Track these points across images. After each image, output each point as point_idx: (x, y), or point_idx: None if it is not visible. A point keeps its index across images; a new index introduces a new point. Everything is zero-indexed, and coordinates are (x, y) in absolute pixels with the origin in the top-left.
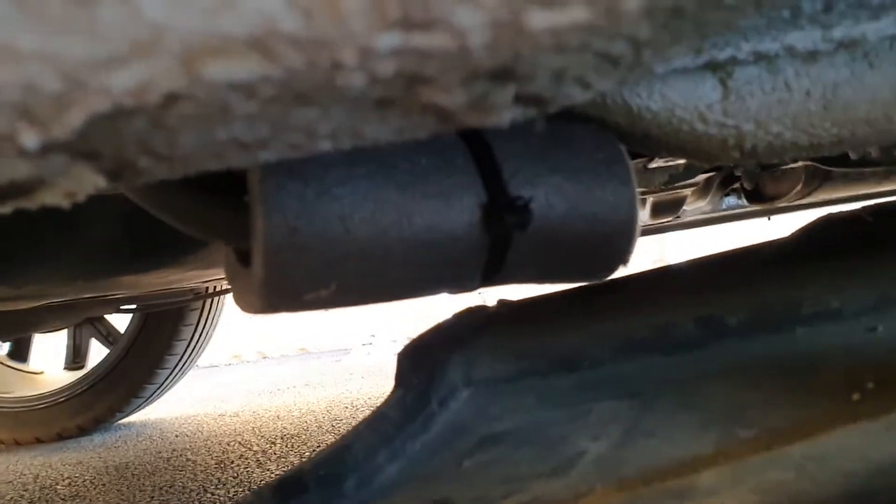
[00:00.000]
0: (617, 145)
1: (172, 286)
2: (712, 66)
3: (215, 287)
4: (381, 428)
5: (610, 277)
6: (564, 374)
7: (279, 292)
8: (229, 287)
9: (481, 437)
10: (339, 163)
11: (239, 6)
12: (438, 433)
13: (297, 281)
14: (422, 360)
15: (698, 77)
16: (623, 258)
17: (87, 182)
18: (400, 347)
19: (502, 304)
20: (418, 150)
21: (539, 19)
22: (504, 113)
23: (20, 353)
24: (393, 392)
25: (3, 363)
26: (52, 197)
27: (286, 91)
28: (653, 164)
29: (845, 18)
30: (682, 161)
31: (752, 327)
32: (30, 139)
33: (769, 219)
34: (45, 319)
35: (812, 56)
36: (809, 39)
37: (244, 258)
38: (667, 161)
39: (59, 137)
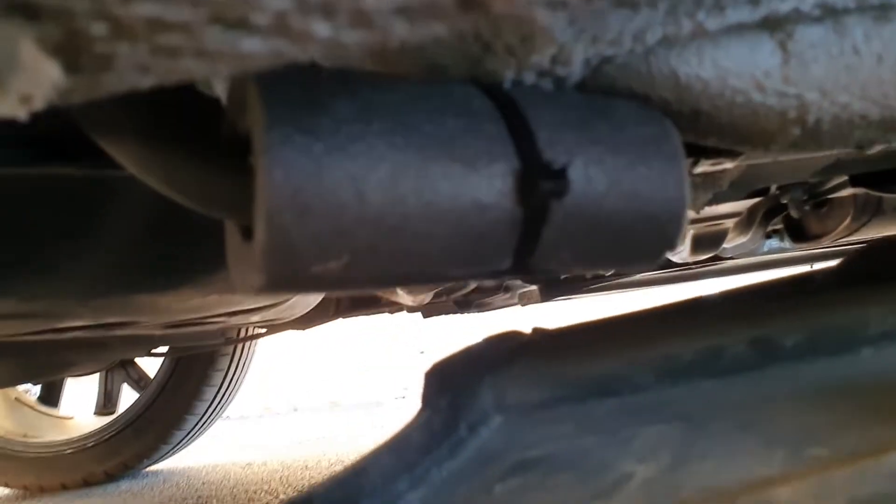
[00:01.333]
0: (664, 120)
1: (196, 314)
2: (771, 24)
3: (247, 331)
4: (403, 452)
5: (652, 305)
6: (603, 400)
7: (283, 262)
8: (261, 331)
9: (514, 462)
10: (355, 119)
11: None
12: (467, 460)
13: (302, 249)
14: (451, 381)
15: (755, 39)
16: (670, 243)
17: (42, 73)
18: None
19: (536, 331)
20: (443, 111)
21: None
22: None
23: (51, 397)
24: (418, 414)
25: (33, 407)
26: (5, 104)
27: None
28: (698, 168)
29: None
30: (728, 165)
31: (811, 349)
32: None
33: (812, 266)
34: (75, 361)
35: (884, 13)
36: None
37: (248, 234)
38: (714, 164)
39: None
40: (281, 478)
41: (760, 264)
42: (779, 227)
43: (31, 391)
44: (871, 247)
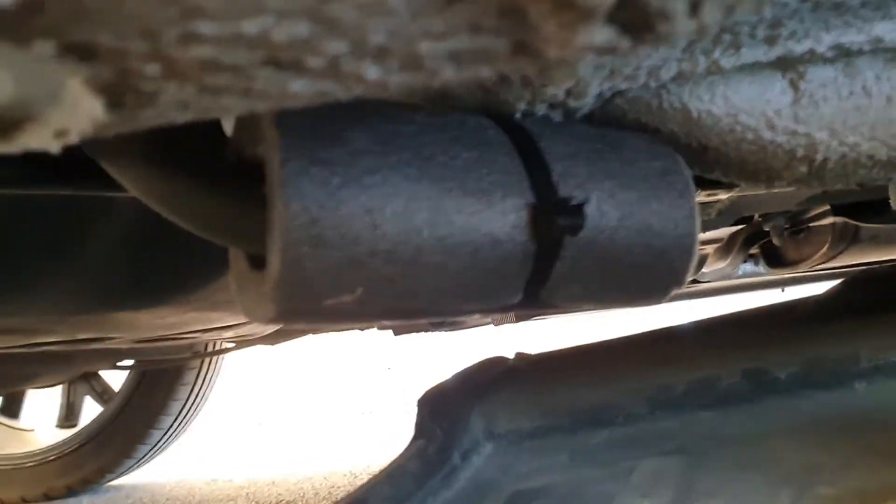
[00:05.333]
0: (674, 155)
1: (171, 331)
2: (784, 64)
3: (215, 345)
4: (400, 482)
5: (638, 331)
6: (594, 431)
7: (297, 295)
8: (229, 345)
9: (511, 493)
10: (370, 150)
11: None
12: (462, 490)
13: (317, 282)
14: (443, 409)
15: (766, 78)
16: (679, 278)
17: (82, 109)
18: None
19: (520, 357)
20: (458, 143)
21: None
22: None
23: (11, 409)
24: (412, 442)
25: None
26: (40, 137)
27: None
28: None
29: None
30: (723, 196)
31: (805, 381)
32: None
33: (783, 290)
34: (38, 373)
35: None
36: None
37: (256, 263)
38: (709, 194)
39: None
40: (247, 494)
41: (734, 287)
42: (755, 252)
43: None
44: (855, 279)
